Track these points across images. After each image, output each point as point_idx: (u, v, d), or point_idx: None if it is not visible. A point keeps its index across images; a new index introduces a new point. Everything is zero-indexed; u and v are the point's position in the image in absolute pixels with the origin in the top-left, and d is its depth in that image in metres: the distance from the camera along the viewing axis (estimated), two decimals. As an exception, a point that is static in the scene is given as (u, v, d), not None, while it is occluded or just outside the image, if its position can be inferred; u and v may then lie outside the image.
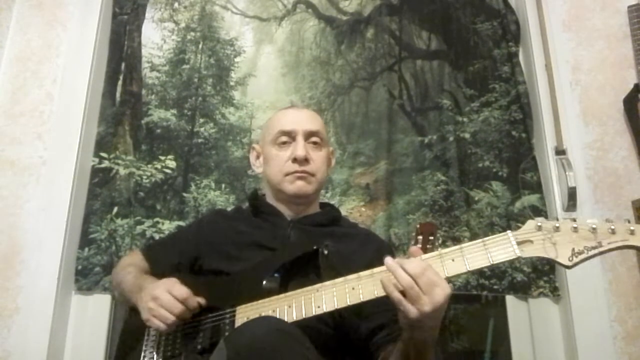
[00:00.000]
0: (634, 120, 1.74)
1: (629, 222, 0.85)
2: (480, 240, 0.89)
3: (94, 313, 1.72)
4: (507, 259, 0.87)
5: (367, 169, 1.88)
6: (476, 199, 1.81)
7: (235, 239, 1.22)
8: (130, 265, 1.23)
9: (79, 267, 1.71)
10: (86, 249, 1.72)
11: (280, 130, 1.25)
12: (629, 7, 1.86)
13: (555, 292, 1.68)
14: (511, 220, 1.75)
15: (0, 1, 1.91)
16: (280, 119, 1.29)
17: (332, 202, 1.79)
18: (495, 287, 1.69)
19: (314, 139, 1.26)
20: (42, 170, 1.79)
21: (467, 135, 1.89)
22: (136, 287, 1.10)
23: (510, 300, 1.73)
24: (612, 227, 0.84)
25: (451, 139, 1.86)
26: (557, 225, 0.87)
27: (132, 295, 1.11)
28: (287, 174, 1.22)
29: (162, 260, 1.26)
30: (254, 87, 1.99)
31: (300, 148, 1.22)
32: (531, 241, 0.87)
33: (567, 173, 1.70)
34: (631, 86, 1.77)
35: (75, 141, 1.80)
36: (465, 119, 1.91)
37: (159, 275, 1.20)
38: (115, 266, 1.33)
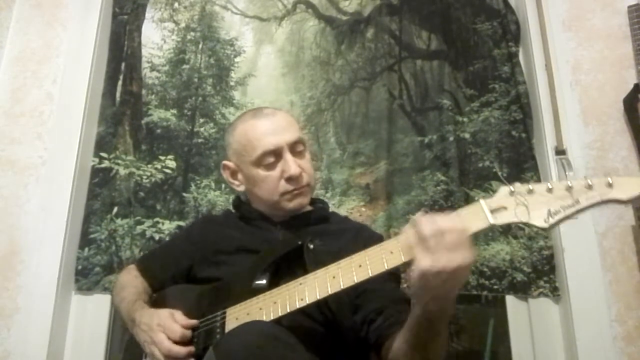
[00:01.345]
0: (634, 120, 1.74)
1: (609, 176, 0.80)
2: (455, 212, 0.86)
3: (94, 313, 1.72)
4: (481, 227, 0.83)
5: (367, 169, 1.88)
6: (476, 199, 1.81)
7: (225, 245, 1.21)
8: (125, 288, 1.22)
9: (79, 267, 1.71)
10: (86, 249, 1.73)
11: (264, 152, 1.15)
12: (629, 7, 1.85)
13: (555, 292, 1.68)
14: (511, 220, 1.74)
15: (0, 1, 1.91)
16: (258, 136, 1.16)
17: (332, 202, 1.79)
18: (495, 287, 1.69)
19: (299, 148, 1.19)
20: (42, 170, 1.79)
21: (467, 135, 1.89)
22: (130, 320, 1.11)
23: (510, 300, 1.73)
24: (589, 182, 0.80)
25: (451, 139, 1.86)
26: (531, 187, 0.83)
27: (128, 326, 1.12)
28: (283, 194, 1.17)
29: (157, 274, 1.26)
30: (254, 87, 1.99)
31: (293, 166, 1.14)
32: (505, 207, 0.84)
33: (567, 173, 1.70)
34: (631, 86, 1.77)
35: (75, 141, 1.80)
36: (465, 119, 1.91)
37: (157, 288, 1.23)
38: (114, 287, 1.32)
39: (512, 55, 1.94)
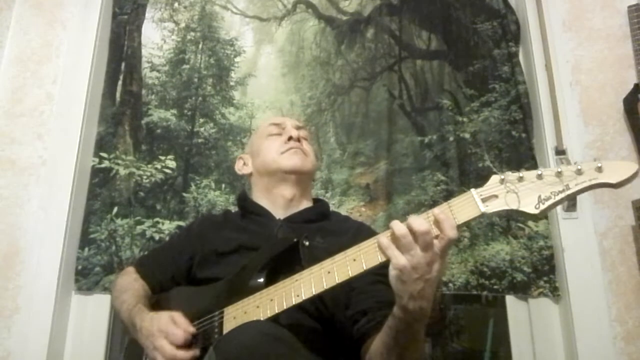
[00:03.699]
0: (634, 120, 1.74)
1: (598, 161, 0.81)
2: (446, 203, 0.86)
3: (94, 313, 1.72)
4: (472, 216, 0.84)
5: (367, 169, 1.88)
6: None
7: (225, 244, 1.21)
8: (125, 292, 1.21)
9: (79, 267, 1.71)
10: (86, 249, 1.73)
11: (271, 123, 1.36)
12: (629, 7, 1.86)
13: (555, 292, 1.68)
14: (511, 221, 1.75)
15: (0, 1, 1.91)
16: (269, 119, 1.43)
17: (332, 202, 1.79)
18: (495, 287, 1.69)
19: (302, 133, 1.34)
20: (42, 170, 1.79)
21: (467, 135, 1.89)
22: (131, 324, 1.10)
23: (510, 300, 1.73)
24: (579, 167, 0.80)
25: (451, 139, 1.86)
26: (521, 175, 0.84)
27: (129, 331, 1.12)
28: (283, 152, 1.28)
29: (156, 276, 1.26)
30: (254, 87, 1.99)
31: (292, 130, 1.30)
32: (496, 196, 0.84)
33: (567, 173, 1.69)
34: (631, 86, 1.77)
35: (75, 141, 1.81)
36: (465, 119, 1.91)
37: (158, 290, 1.23)
38: (112, 289, 1.31)
39: (512, 55, 1.94)
